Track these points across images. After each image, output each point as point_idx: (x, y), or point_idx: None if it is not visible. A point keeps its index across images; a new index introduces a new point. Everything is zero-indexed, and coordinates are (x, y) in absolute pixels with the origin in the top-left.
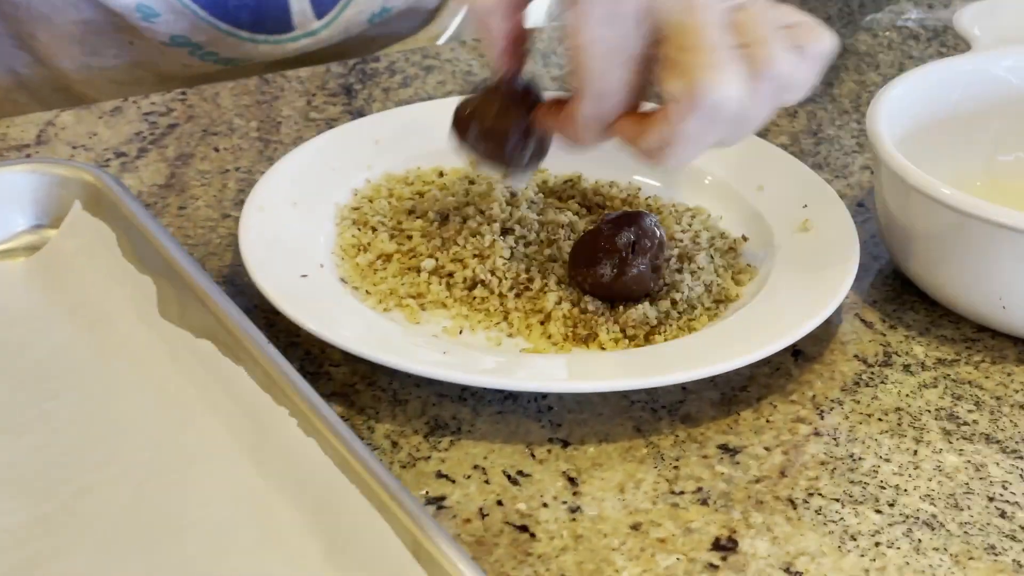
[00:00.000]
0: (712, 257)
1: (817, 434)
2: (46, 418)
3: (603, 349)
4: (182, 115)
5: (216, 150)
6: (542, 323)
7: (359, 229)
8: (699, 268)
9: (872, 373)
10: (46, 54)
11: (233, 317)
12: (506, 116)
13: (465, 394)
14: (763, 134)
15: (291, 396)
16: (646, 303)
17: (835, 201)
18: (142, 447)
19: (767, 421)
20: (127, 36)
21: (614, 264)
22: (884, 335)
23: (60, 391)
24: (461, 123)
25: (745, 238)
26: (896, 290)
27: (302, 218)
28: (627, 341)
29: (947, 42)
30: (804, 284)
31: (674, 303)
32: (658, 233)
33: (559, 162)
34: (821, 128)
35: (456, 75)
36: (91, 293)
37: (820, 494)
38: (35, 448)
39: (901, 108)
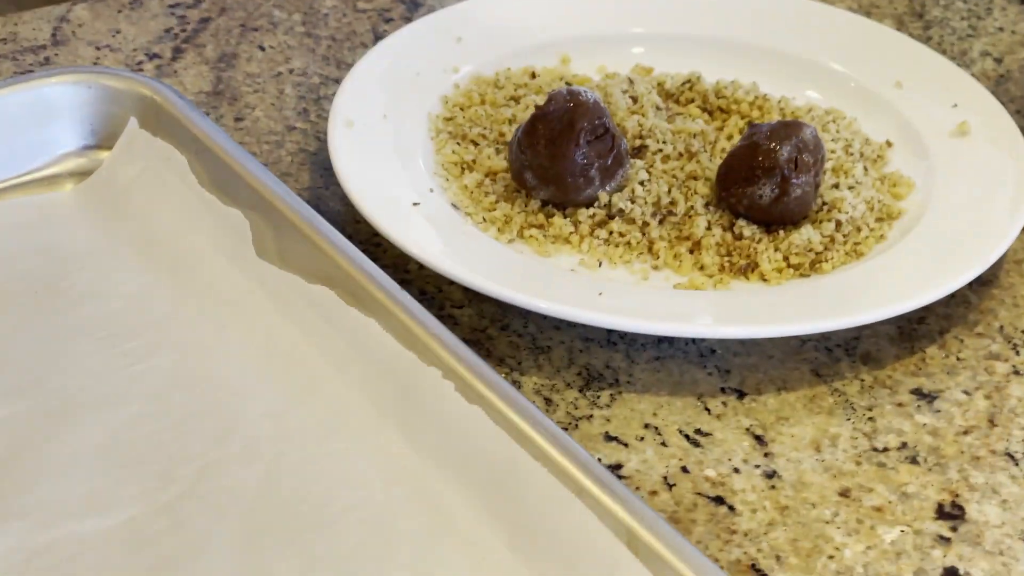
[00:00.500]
0: (866, 169)
1: (1017, 373)
2: (140, 383)
3: (765, 280)
4: (213, 7)
5: (262, 48)
6: (691, 252)
7: (459, 143)
8: (857, 183)
9: None
10: None
11: (354, 259)
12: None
13: (613, 336)
14: (868, 16)
15: (442, 355)
16: (808, 226)
17: (988, 99)
18: (264, 415)
19: (958, 359)
20: None
21: (775, 183)
22: None
23: (149, 349)
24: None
25: (890, 143)
26: None
27: (396, 133)
28: (791, 270)
29: None
30: (974, 200)
31: (839, 225)
32: (821, 147)
33: (672, 59)
34: (926, 8)
35: None
36: (163, 229)
37: None
38: (136, 421)
39: None
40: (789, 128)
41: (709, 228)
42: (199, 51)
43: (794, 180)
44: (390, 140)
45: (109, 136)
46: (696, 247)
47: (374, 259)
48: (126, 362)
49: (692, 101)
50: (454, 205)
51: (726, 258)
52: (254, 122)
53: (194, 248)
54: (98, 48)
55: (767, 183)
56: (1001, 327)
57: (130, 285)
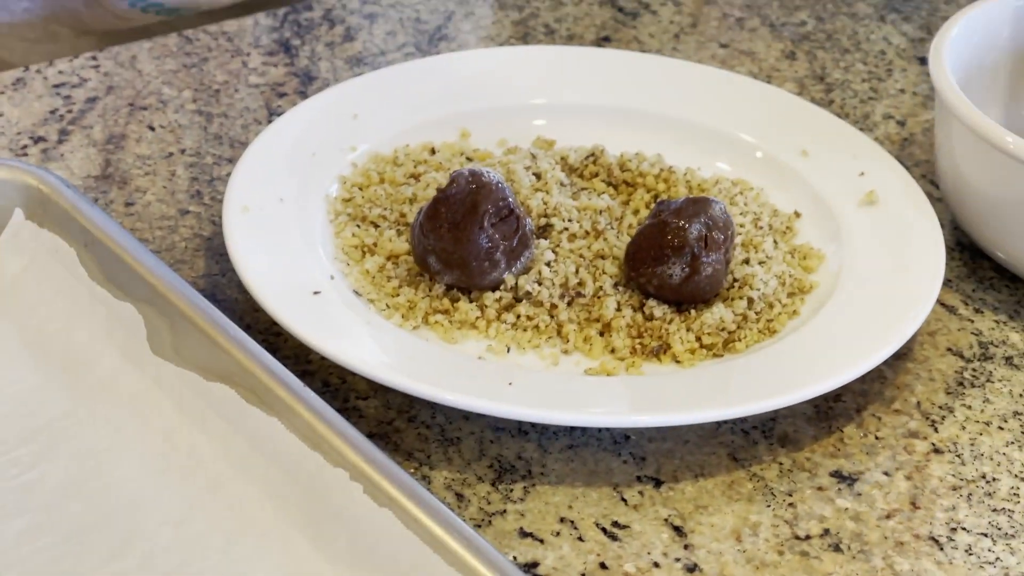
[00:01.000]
0: (776, 242)
1: (937, 451)
2: (31, 494)
3: (678, 362)
4: (100, 86)
5: (151, 128)
6: (601, 334)
7: (358, 226)
8: (768, 257)
9: (974, 370)
10: None
11: (254, 354)
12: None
13: (525, 425)
14: (766, 83)
15: (348, 455)
16: (720, 304)
17: (894, 165)
18: (164, 523)
19: (876, 438)
20: None
21: (685, 262)
22: (972, 321)
23: (39, 456)
24: None
25: (798, 214)
26: (968, 264)
27: (293, 216)
28: (704, 351)
29: None
30: (886, 271)
31: (751, 302)
32: (730, 223)
33: (574, 130)
34: (826, 71)
35: (404, 23)
36: (53, 325)
37: (964, 528)
38: (27, 535)
39: (959, 51)
40: (697, 205)
41: (619, 309)
42: (86, 132)
43: (704, 258)
44: (288, 224)
45: None
46: (606, 329)
47: (274, 350)
48: (15, 472)
49: (596, 175)
50: (356, 292)
51: (637, 340)
52: (145, 206)
53: (86, 345)
54: None
55: (677, 262)
56: (918, 403)
57: (18, 386)
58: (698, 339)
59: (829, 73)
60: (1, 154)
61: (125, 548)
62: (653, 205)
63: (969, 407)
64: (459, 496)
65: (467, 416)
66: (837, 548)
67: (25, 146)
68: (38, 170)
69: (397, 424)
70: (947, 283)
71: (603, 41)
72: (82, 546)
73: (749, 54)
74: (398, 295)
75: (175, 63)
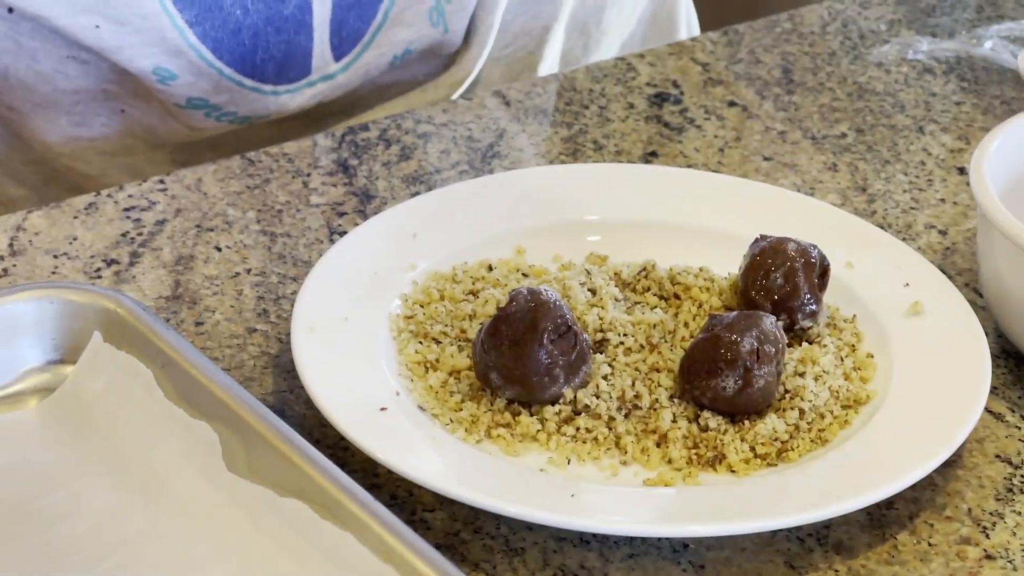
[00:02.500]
0: (842, 360)
1: (989, 557)
2: None
3: (733, 471)
4: (168, 208)
5: (218, 249)
6: (658, 445)
7: (421, 342)
8: (824, 372)
9: (1023, 476)
10: (25, 126)
11: (325, 470)
12: None
13: (586, 535)
14: (809, 194)
15: (420, 567)
16: (772, 415)
17: (937, 276)
18: None
19: (929, 544)
20: (119, 103)
21: (738, 375)
22: (1020, 428)
23: (122, 570)
24: None
25: (854, 317)
26: (1013, 371)
27: (357, 334)
28: (759, 460)
29: (965, 75)
30: (934, 380)
31: (802, 413)
32: (780, 337)
33: (626, 247)
34: (868, 182)
35: (457, 141)
36: (131, 444)
37: None
38: None
39: (999, 163)
40: (749, 319)
41: (675, 420)
42: (156, 254)
43: (756, 371)
44: (352, 342)
45: (72, 350)
46: (663, 440)
47: (342, 464)
48: None
49: (648, 289)
50: (420, 407)
51: (693, 450)
52: (214, 326)
53: (163, 463)
54: (56, 256)
55: (730, 375)
56: (969, 509)
57: (99, 503)
58: (752, 449)
59: (871, 184)
60: (77, 278)
61: None
62: (701, 317)
63: (1019, 513)
64: None
65: (530, 527)
66: None
67: (99, 269)
68: (114, 293)
69: (463, 536)
70: (993, 391)
71: (650, 156)
72: None
73: (792, 166)
74: (461, 409)
75: (239, 184)
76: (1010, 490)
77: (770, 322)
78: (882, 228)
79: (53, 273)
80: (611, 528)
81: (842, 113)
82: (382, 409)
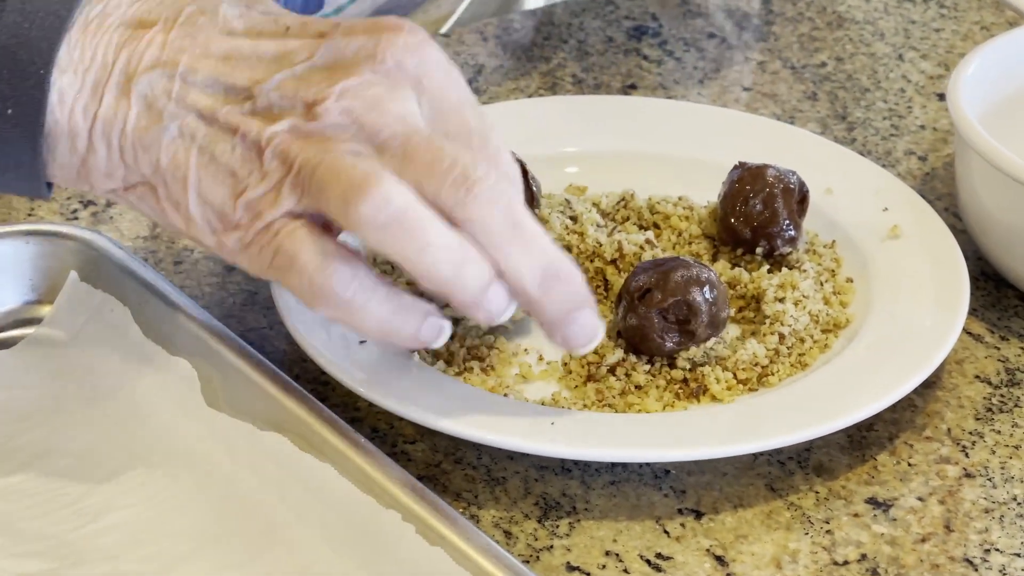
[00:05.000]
0: (822, 284)
1: (969, 475)
2: (92, 544)
3: (717, 400)
4: None
5: None
6: (638, 387)
7: (401, 274)
8: (804, 297)
9: (1002, 396)
10: None
11: (306, 403)
12: None
13: (567, 463)
14: (790, 123)
15: (400, 497)
16: (753, 340)
17: (916, 200)
18: (226, 567)
19: (909, 464)
20: None
21: (624, 307)
22: (998, 349)
23: (103, 507)
24: None
25: (833, 243)
26: (992, 293)
27: None
28: (740, 386)
29: (944, 2)
30: (913, 303)
31: (782, 338)
32: (691, 293)
33: (605, 178)
34: (848, 110)
35: (464, 68)
36: (109, 382)
37: (997, 549)
38: None
39: (977, 87)
40: (672, 263)
41: (651, 375)
42: None
43: (640, 309)
44: None
45: (50, 290)
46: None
47: (322, 398)
48: (80, 522)
49: (628, 219)
50: None
51: (677, 386)
52: (194, 264)
53: (142, 400)
54: (32, 198)
55: (619, 306)
56: (949, 429)
57: (80, 441)
58: (734, 375)
59: (851, 112)
60: (53, 219)
61: None
62: (681, 246)
63: (999, 431)
64: (507, 533)
65: (511, 456)
66: (875, 572)
67: (75, 210)
68: (90, 232)
69: (444, 466)
70: (973, 312)
71: (629, 89)
72: None
73: (772, 96)
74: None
75: None
76: (989, 409)
77: (686, 274)
78: (861, 155)
79: (29, 215)
80: (590, 455)
81: (821, 43)
82: (361, 342)
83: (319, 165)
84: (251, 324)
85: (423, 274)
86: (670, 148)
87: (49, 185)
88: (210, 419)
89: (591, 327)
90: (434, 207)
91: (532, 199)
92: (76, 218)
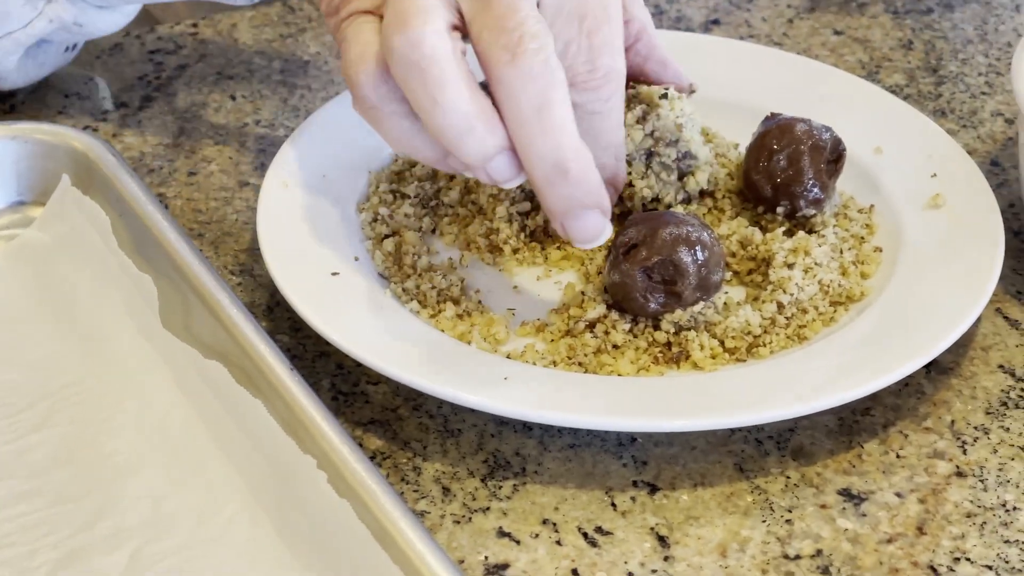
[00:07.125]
0: (842, 252)
1: (960, 474)
2: (24, 457)
3: (699, 368)
4: (193, 54)
5: (233, 98)
6: (616, 347)
7: (387, 205)
8: (816, 264)
9: (1022, 391)
10: None
11: (249, 334)
12: None
13: (528, 422)
14: (874, 73)
15: (320, 441)
16: (747, 307)
17: (971, 170)
18: (143, 497)
19: (897, 456)
20: None
21: (612, 259)
22: None
23: (42, 421)
24: None
25: (871, 208)
26: None
27: (333, 195)
28: (727, 355)
29: None
30: (939, 279)
31: (781, 307)
32: (676, 252)
33: None
34: (942, 63)
35: None
36: (82, 293)
37: (968, 559)
38: (12, 499)
39: None
40: (662, 218)
41: (633, 335)
42: (169, 100)
43: (623, 265)
44: (326, 204)
45: (42, 192)
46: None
47: (297, 329)
48: (12, 436)
49: None
50: (383, 275)
51: (658, 349)
52: (207, 176)
53: (108, 315)
54: (67, 96)
55: (609, 259)
56: (952, 421)
57: (38, 352)
58: (721, 343)
59: (944, 65)
60: (82, 119)
61: (97, 520)
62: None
63: (1007, 429)
64: (445, 490)
65: (473, 410)
66: (826, 571)
67: (106, 112)
68: (85, 136)
69: (401, 412)
70: (1017, 295)
71: (712, 24)
72: (59, 515)
73: (863, 42)
74: (410, 276)
75: (272, 32)
76: (1004, 404)
77: (675, 232)
78: (942, 113)
79: (60, 113)
80: (534, 415)
81: None
82: (333, 274)
83: None
84: (247, 244)
85: (428, 127)
86: (716, 91)
87: None
88: (164, 342)
89: (593, 227)
90: (482, 61)
91: None
92: (104, 120)
